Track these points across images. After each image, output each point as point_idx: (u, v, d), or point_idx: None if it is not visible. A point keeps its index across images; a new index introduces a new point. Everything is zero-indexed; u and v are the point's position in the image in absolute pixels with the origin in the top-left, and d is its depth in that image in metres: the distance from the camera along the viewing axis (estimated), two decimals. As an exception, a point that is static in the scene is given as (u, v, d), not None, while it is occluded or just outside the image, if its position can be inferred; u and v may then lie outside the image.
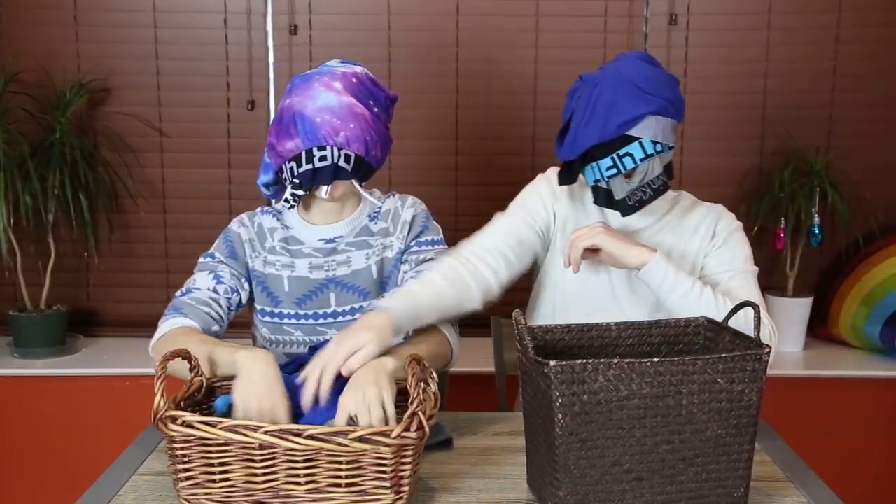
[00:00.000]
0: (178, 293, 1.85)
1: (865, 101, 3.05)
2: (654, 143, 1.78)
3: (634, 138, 1.78)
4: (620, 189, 1.83)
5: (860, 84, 3.05)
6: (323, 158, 1.80)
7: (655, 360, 1.36)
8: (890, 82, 3.05)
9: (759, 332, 1.47)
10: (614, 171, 1.80)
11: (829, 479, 1.63)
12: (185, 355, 1.51)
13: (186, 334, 1.73)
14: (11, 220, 2.87)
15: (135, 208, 3.08)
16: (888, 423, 2.88)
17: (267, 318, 1.92)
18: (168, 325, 1.78)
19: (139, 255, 3.13)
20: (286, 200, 1.87)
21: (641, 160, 1.79)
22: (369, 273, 1.90)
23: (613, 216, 1.93)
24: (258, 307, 1.92)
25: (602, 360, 1.35)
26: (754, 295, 1.84)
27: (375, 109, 1.88)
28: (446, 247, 1.95)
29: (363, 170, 1.85)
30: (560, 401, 1.35)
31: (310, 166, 1.80)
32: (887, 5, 3.00)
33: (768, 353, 1.40)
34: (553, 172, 1.99)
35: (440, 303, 1.79)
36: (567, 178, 1.90)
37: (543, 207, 1.97)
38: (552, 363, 1.34)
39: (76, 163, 2.89)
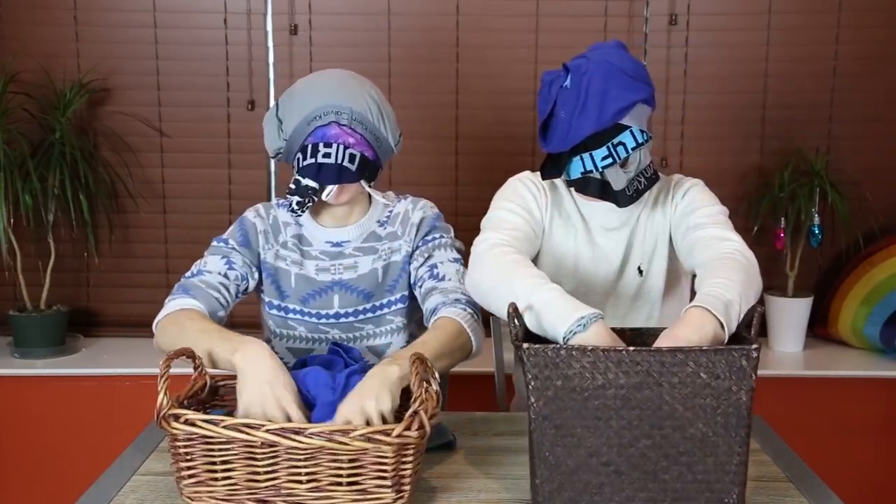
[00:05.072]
0: (188, 273, 1.86)
1: (865, 101, 3.05)
2: (642, 131, 1.77)
3: (626, 127, 1.76)
4: (618, 180, 1.78)
5: (860, 84, 3.05)
6: (327, 156, 1.80)
7: (632, 348, 1.33)
8: (890, 82, 3.05)
9: (755, 330, 1.41)
10: (610, 160, 1.76)
11: (829, 479, 1.63)
12: (189, 354, 1.51)
13: (190, 318, 1.72)
14: (11, 220, 2.87)
15: (135, 208, 3.08)
16: (888, 423, 2.88)
17: (274, 311, 1.92)
18: (174, 304, 1.78)
19: (139, 255, 3.13)
20: (292, 210, 1.85)
21: (633, 149, 1.76)
22: (374, 276, 1.90)
23: (599, 210, 1.88)
24: (266, 299, 1.93)
25: (577, 346, 1.33)
26: (731, 235, 1.73)
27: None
28: (456, 242, 1.91)
29: (369, 170, 1.84)
30: (533, 384, 1.34)
31: (313, 160, 1.80)
32: (887, 5, 3.00)
33: (757, 350, 1.33)
34: (527, 176, 1.92)
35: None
36: (553, 172, 1.85)
37: (538, 209, 1.89)
38: (525, 345, 1.33)
39: (76, 163, 2.89)
